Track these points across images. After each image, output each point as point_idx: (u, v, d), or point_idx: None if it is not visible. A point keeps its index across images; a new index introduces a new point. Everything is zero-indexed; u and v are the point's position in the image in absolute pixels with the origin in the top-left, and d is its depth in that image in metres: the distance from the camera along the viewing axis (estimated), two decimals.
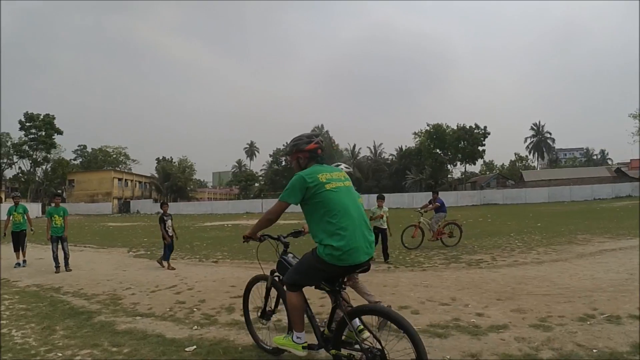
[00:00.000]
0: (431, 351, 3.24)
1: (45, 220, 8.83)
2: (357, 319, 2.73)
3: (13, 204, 9.55)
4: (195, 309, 5.16)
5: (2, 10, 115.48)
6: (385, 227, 8.39)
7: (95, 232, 20.27)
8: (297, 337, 2.93)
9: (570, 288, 5.34)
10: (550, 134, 74.59)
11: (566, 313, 4.23)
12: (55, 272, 8.20)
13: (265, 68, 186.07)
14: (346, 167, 3.98)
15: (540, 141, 74.74)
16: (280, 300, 3.35)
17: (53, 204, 8.69)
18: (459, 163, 60.38)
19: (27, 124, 57.90)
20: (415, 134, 63.72)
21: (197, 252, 10.92)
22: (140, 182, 68.36)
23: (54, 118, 58.71)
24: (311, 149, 2.94)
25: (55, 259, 8.33)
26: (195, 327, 4.36)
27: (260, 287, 3.59)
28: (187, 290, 6.30)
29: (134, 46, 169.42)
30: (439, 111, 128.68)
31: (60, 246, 8.48)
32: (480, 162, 64.99)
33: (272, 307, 3.49)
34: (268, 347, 3.45)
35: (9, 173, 62.88)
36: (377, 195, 8.90)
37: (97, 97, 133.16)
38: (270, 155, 69.34)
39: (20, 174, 60.34)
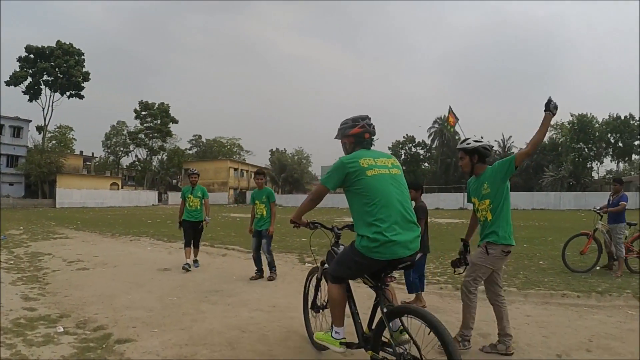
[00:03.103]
0: None
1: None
2: (397, 320, 2.42)
3: (189, 183, 7.27)
4: None
5: (112, 12, 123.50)
6: None
7: (226, 225, 16.54)
8: (336, 332, 2.68)
9: None
10: None
11: None
12: (251, 278, 6.08)
13: (381, 62, 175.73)
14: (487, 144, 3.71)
15: None
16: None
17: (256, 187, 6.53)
18: (608, 159, 50.86)
19: (142, 112, 59.31)
20: (550, 125, 54.66)
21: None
22: None
23: (169, 107, 59.47)
24: (356, 134, 2.71)
25: (255, 260, 6.25)
26: None
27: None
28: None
29: (243, 43, 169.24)
30: (580, 98, 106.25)
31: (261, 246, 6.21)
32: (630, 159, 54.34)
33: (325, 301, 3.17)
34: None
35: (125, 161, 65.54)
36: None
37: (212, 94, 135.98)
38: (389, 148, 63.96)
39: (137, 162, 62.18)
